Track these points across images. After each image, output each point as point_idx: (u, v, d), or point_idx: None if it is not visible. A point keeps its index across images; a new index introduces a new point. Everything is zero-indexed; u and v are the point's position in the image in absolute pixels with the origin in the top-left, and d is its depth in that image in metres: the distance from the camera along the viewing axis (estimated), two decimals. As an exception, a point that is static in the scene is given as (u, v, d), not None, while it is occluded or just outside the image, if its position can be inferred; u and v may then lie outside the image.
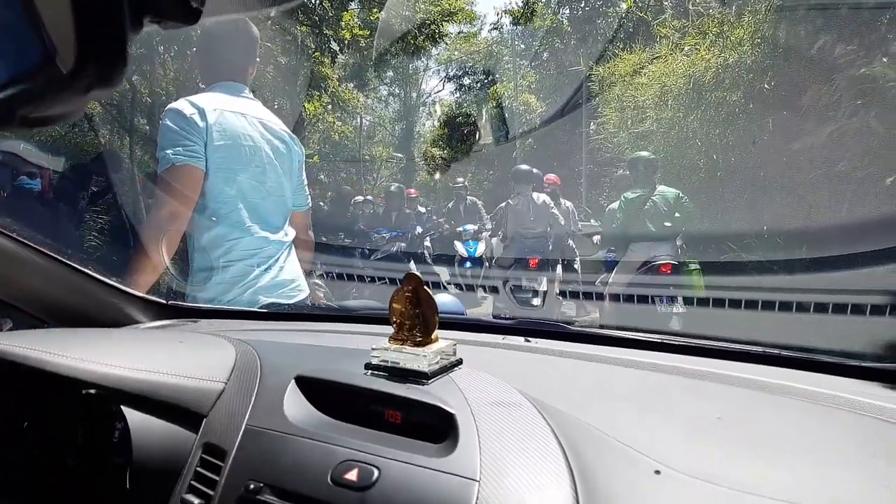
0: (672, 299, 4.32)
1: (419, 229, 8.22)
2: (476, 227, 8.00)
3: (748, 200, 6.09)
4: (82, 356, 1.04)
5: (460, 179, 10.62)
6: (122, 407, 0.99)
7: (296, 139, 2.19)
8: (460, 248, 7.52)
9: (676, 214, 4.83)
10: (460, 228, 8.01)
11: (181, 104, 1.90)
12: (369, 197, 10.53)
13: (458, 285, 6.47)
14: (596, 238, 6.08)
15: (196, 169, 1.87)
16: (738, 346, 1.15)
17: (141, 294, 1.58)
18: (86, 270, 1.43)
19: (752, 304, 2.64)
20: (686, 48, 7.89)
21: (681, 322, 4.23)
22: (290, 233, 2.14)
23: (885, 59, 4.80)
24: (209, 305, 1.86)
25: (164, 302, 1.63)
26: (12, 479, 1.10)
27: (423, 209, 9.85)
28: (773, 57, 6.24)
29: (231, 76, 2.07)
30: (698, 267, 4.55)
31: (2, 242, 1.28)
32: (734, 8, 7.50)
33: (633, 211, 4.92)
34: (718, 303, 3.12)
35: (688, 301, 4.24)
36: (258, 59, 2.19)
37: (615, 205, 5.26)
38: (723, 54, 6.87)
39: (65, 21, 0.36)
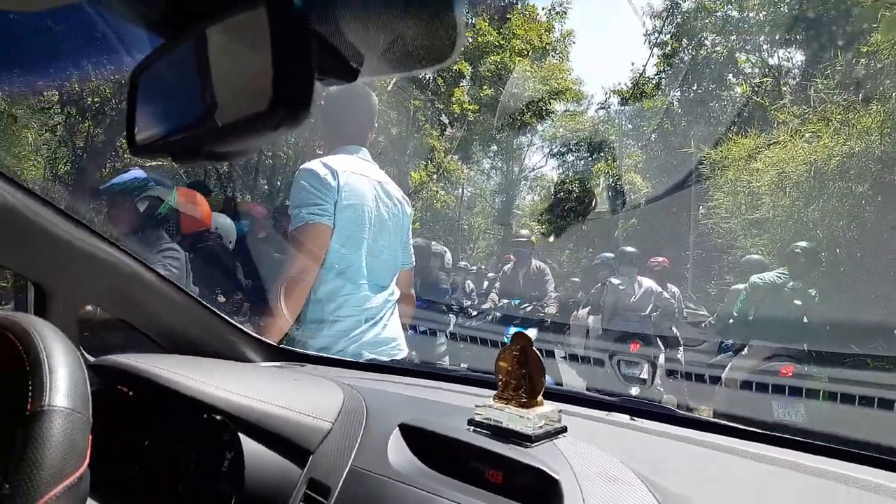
0: (792, 405, 3.98)
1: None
2: (532, 305, 6.40)
3: (874, 298, 5.62)
4: (206, 381, 1.09)
5: (525, 232, 8.22)
6: (239, 434, 1.02)
7: (407, 201, 2.29)
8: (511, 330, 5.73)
9: (811, 312, 4.49)
10: (512, 302, 6.49)
11: (316, 165, 2.01)
12: (470, 266, 10.32)
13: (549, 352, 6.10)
14: (703, 326, 5.77)
15: (326, 227, 1.97)
16: (858, 449, 1.05)
17: (255, 335, 1.65)
18: (210, 307, 1.52)
19: (883, 403, 2.42)
20: (807, 134, 7.58)
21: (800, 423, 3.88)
22: (395, 292, 2.21)
23: None
24: (315, 353, 1.92)
25: (275, 344, 1.71)
26: (126, 496, 1.13)
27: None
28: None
29: (354, 140, 2.19)
30: (823, 375, 4.18)
31: (143, 273, 1.38)
32: (861, 95, 7.18)
33: (764, 300, 4.61)
34: (842, 400, 2.88)
35: (810, 411, 3.91)
36: (375, 125, 2.32)
37: (741, 286, 4.97)
38: (848, 143, 6.55)
39: (264, 66, 0.40)
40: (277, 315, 1.96)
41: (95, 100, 8.51)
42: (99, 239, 1.28)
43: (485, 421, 0.97)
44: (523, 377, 0.97)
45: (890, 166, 6.01)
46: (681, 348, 5.77)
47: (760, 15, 14.62)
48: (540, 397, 0.98)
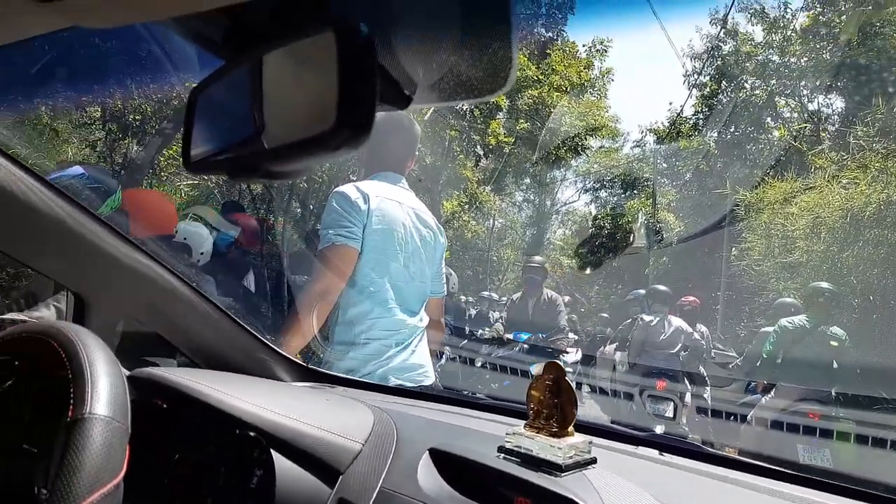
0: (818, 448, 3.93)
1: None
2: (543, 337, 6.02)
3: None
4: (240, 397, 1.10)
5: (538, 258, 7.53)
6: (271, 451, 1.03)
7: (442, 230, 2.31)
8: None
9: (841, 359, 4.44)
10: (517, 337, 6.05)
11: (348, 188, 2.06)
12: (494, 296, 10.25)
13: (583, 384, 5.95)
14: (731, 367, 5.71)
15: (352, 250, 2.00)
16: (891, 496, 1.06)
17: (287, 354, 1.67)
18: (244, 324, 1.54)
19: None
20: (844, 181, 7.52)
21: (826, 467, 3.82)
22: (424, 318, 2.22)
23: None
24: (344, 375, 1.90)
25: (304, 365, 1.72)
26: None
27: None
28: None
29: (392, 167, 2.22)
30: (850, 419, 4.11)
31: (180, 288, 1.41)
32: (900, 143, 7.12)
33: (794, 343, 4.58)
34: (870, 444, 2.83)
35: (836, 455, 3.84)
36: (416, 154, 2.36)
37: (769, 328, 4.93)
38: (885, 190, 6.49)
39: (329, 88, 0.42)
40: (296, 329, 1.98)
41: (137, 117, 8.78)
42: (139, 252, 1.30)
43: (515, 448, 0.97)
44: (555, 406, 0.96)
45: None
46: (708, 388, 5.71)
47: (802, 60, 14.55)
48: (571, 427, 0.98)
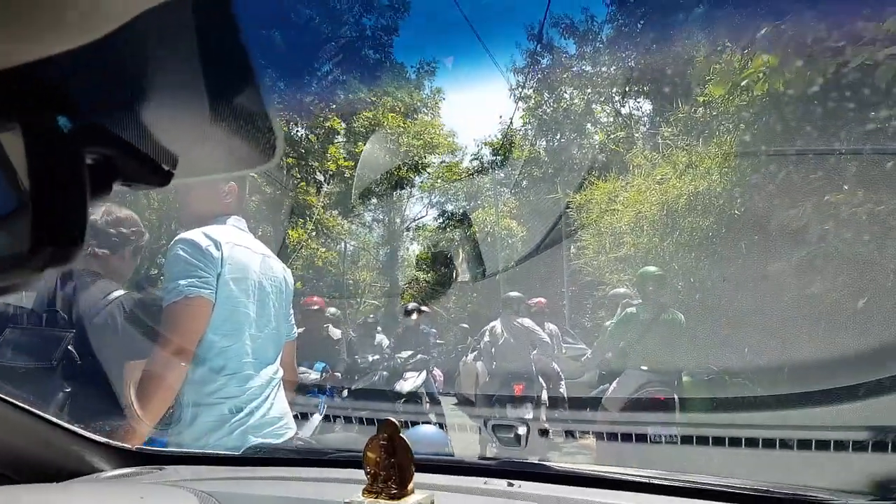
0: (665, 435, 4.20)
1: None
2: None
3: (728, 327, 6.12)
4: None
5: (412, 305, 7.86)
6: None
7: (288, 271, 2.22)
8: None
9: (677, 341, 4.79)
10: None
11: (195, 235, 1.90)
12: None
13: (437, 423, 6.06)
14: (582, 359, 6.01)
15: (207, 301, 1.85)
16: (726, 485, 1.12)
17: (105, 440, 1.49)
18: (47, 417, 1.36)
19: (736, 442, 2.62)
20: (658, 177, 8.27)
21: (674, 458, 4.10)
22: (280, 369, 2.11)
23: (845, 189, 5.03)
24: (178, 450, 1.77)
25: (130, 448, 1.55)
26: None
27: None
28: (740, 186, 6.54)
29: (231, 208, 2.09)
30: (691, 399, 4.47)
31: None
32: (701, 140, 7.95)
33: (635, 331, 4.86)
34: (706, 440, 3.08)
35: (683, 438, 4.15)
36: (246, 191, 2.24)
37: (614, 321, 5.22)
38: (693, 182, 7.19)
39: (24, 207, 0.36)
40: (155, 397, 1.79)
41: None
42: None
43: None
44: (392, 467, 0.94)
45: (729, 201, 6.65)
46: (562, 381, 5.97)
47: (611, 70, 15.96)
48: (411, 485, 0.95)
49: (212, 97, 0.44)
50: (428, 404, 6.18)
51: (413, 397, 6.00)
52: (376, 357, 6.60)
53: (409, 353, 6.46)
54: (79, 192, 0.36)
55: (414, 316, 7.29)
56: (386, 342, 7.41)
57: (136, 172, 0.43)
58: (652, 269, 5.52)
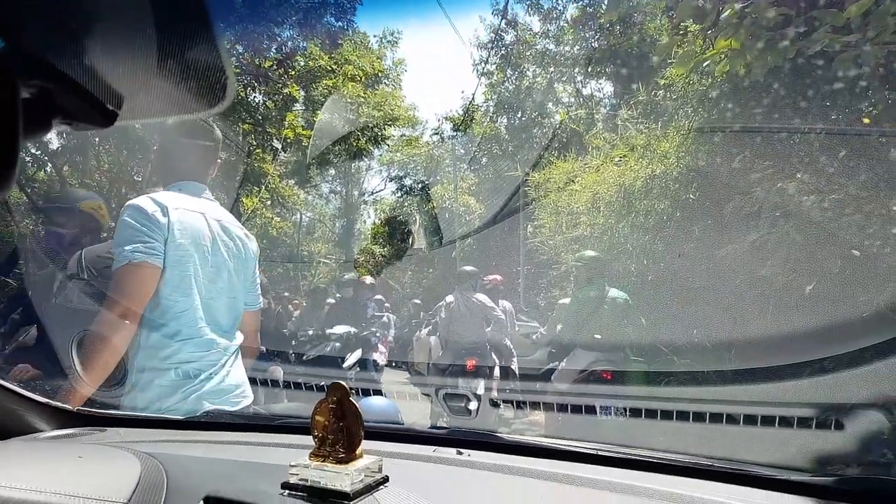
0: (613, 408, 4.27)
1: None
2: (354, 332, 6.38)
3: (679, 307, 6.24)
4: None
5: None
6: None
7: (252, 239, 2.20)
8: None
9: (624, 320, 4.86)
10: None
11: (143, 201, 1.90)
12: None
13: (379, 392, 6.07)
14: (534, 337, 6.06)
15: (154, 267, 1.85)
16: (671, 459, 1.15)
17: (44, 400, 1.46)
18: None
19: (683, 416, 2.67)
20: (616, 158, 8.32)
21: (621, 431, 4.17)
22: (238, 336, 2.11)
23: (798, 175, 5.14)
24: (121, 412, 1.75)
25: (71, 409, 1.52)
26: None
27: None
28: (696, 169, 6.62)
29: (191, 175, 2.08)
30: (638, 375, 4.56)
31: None
32: (660, 123, 8.01)
33: (584, 311, 4.93)
34: (653, 413, 3.14)
35: (630, 411, 4.22)
36: (220, 160, 2.21)
37: (566, 301, 5.26)
38: (650, 166, 7.26)
39: None
40: (97, 362, 1.75)
41: None
42: None
43: (300, 482, 0.92)
44: (340, 431, 0.94)
45: (685, 185, 6.73)
46: (514, 358, 6.02)
47: (574, 49, 15.97)
48: (360, 449, 0.94)
49: (162, 40, 0.45)
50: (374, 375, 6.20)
51: (364, 368, 6.01)
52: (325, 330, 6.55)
53: (345, 327, 6.44)
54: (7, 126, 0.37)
55: (350, 288, 7.36)
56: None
57: (77, 110, 0.43)
58: (590, 253, 5.61)
